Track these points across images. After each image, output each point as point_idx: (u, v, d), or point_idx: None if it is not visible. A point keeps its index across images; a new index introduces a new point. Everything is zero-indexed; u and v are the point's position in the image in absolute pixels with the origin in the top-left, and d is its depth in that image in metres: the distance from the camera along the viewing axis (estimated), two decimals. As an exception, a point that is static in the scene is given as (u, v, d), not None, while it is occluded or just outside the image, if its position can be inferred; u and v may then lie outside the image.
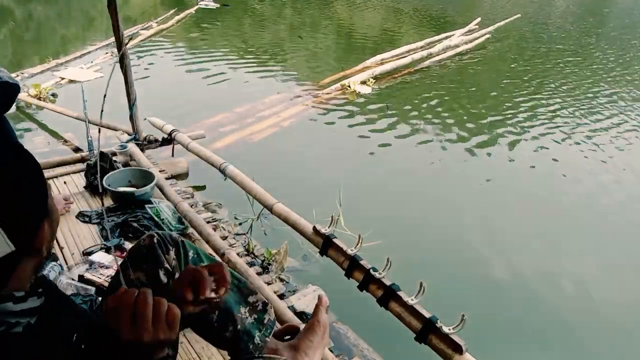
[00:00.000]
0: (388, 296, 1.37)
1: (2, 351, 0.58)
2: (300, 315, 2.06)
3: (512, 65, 8.13)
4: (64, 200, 2.27)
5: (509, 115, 5.65)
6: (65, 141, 4.17)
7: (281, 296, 2.21)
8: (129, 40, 5.42)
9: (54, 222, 0.65)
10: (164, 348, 0.66)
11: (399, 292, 1.35)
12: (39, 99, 4.83)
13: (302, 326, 0.96)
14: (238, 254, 2.28)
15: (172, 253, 0.99)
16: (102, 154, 2.62)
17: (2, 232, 0.55)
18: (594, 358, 2.51)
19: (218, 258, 2.12)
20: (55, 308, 0.70)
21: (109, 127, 3.72)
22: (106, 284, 1.79)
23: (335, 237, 1.59)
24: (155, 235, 1.02)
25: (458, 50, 8.21)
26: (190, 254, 1.02)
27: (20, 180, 0.58)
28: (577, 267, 3.09)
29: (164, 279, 0.95)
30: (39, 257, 0.63)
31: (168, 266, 0.97)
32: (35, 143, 4.10)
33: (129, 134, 3.29)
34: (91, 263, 1.92)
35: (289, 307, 1.92)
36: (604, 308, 2.78)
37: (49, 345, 0.63)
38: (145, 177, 2.58)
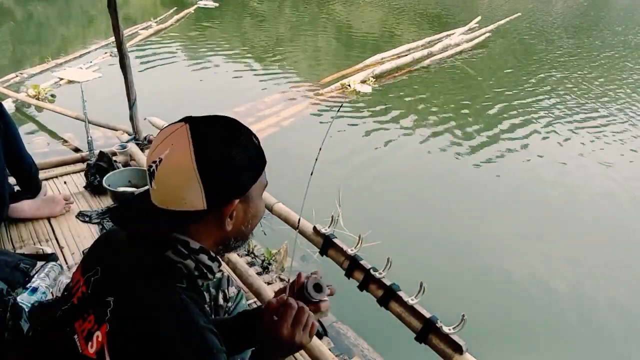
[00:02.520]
0: (388, 296, 1.36)
1: (192, 290, 0.75)
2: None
3: (513, 64, 8.12)
4: (64, 200, 2.27)
5: (511, 114, 5.65)
6: (65, 141, 4.17)
7: (281, 296, 2.20)
8: (128, 41, 5.42)
9: (251, 214, 0.80)
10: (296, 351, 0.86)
11: (399, 292, 1.34)
12: (38, 99, 4.83)
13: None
14: (238, 254, 2.28)
15: (233, 289, 1.24)
16: (102, 153, 2.61)
17: (202, 190, 0.71)
18: (594, 357, 2.51)
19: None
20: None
21: (109, 127, 3.71)
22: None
23: (335, 237, 1.59)
24: (226, 274, 1.34)
25: (458, 49, 8.21)
26: (243, 302, 1.26)
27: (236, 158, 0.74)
28: (577, 267, 3.09)
29: (222, 302, 1.21)
30: (224, 233, 0.78)
31: (226, 295, 1.22)
32: (35, 143, 4.09)
33: (129, 134, 3.28)
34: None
35: (289, 307, 1.92)
36: (604, 308, 2.78)
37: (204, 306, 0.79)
38: (145, 177, 2.57)
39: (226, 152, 0.73)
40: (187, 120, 0.76)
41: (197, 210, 0.72)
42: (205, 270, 0.78)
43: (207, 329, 0.71)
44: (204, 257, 0.77)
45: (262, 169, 0.80)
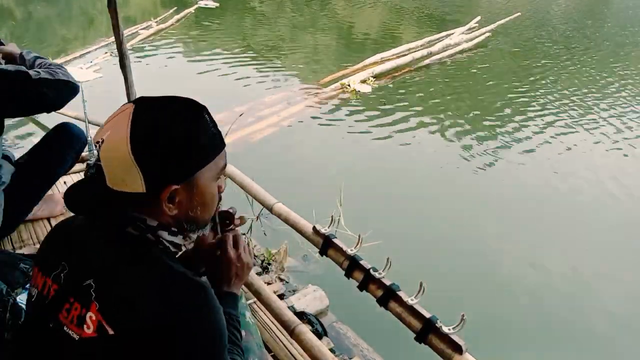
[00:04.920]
0: (388, 296, 1.36)
1: (167, 262, 0.77)
2: (301, 315, 2.06)
3: (513, 63, 8.11)
4: (63, 199, 2.27)
5: (511, 114, 5.65)
6: (65, 141, 4.16)
7: (281, 296, 2.20)
8: (129, 41, 5.41)
9: (198, 201, 0.79)
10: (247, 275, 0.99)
11: (398, 292, 1.34)
12: (39, 99, 4.82)
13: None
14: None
15: None
16: (102, 154, 2.61)
17: (140, 174, 0.71)
18: (593, 357, 2.51)
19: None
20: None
21: (108, 127, 3.70)
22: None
23: (335, 237, 1.58)
24: None
25: (458, 48, 8.20)
26: (242, 301, 1.26)
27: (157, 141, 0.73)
28: (578, 268, 3.09)
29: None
30: (170, 217, 0.77)
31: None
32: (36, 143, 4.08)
33: (129, 134, 3.28)
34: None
35: (289, 307, 1.91)
36: (604, 308, 2.78)
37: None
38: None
39: (163, 136, 0.73)
40: (137, 100, 0.76)
41: (139, 192, 0.73)
42: (167, 244, 0.79)
43: (196, 278, 0.76)
44: (163, 234, 0.78)
45: (213, 155, 0.79)
